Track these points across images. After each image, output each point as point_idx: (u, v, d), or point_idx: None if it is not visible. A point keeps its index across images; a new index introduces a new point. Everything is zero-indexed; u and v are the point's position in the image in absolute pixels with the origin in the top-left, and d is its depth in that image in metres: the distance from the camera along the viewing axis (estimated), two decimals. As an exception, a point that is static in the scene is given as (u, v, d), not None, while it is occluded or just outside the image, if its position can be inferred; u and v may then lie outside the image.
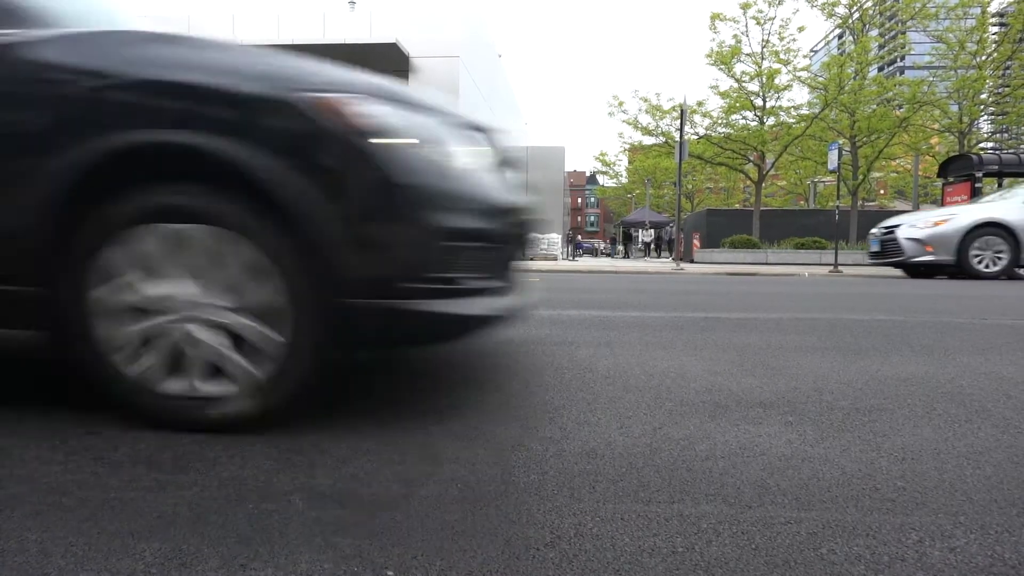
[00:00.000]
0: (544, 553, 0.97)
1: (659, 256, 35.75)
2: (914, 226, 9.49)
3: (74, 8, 1.86)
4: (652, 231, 36.70)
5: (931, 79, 26.12)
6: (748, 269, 11.96)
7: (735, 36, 25.99)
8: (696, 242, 25.96)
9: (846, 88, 24.18)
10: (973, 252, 8.91)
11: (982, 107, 27.22)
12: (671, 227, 34.22)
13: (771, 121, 26.76)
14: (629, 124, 28.27)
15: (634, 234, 38.90)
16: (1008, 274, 8.83)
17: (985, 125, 32.27)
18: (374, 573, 0.92)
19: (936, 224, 9.21)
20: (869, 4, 27.07)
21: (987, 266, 8.88)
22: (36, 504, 1.12)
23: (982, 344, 2.96)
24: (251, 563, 0.93)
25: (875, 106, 25.61)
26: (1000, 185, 16.39)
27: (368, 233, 1.46)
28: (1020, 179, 14.34)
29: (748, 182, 30.18)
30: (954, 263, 8.98)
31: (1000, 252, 8.86)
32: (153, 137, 1.44)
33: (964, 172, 15.06)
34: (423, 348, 2.47)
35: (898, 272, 10.93)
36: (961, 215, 9.21)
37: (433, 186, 1.52)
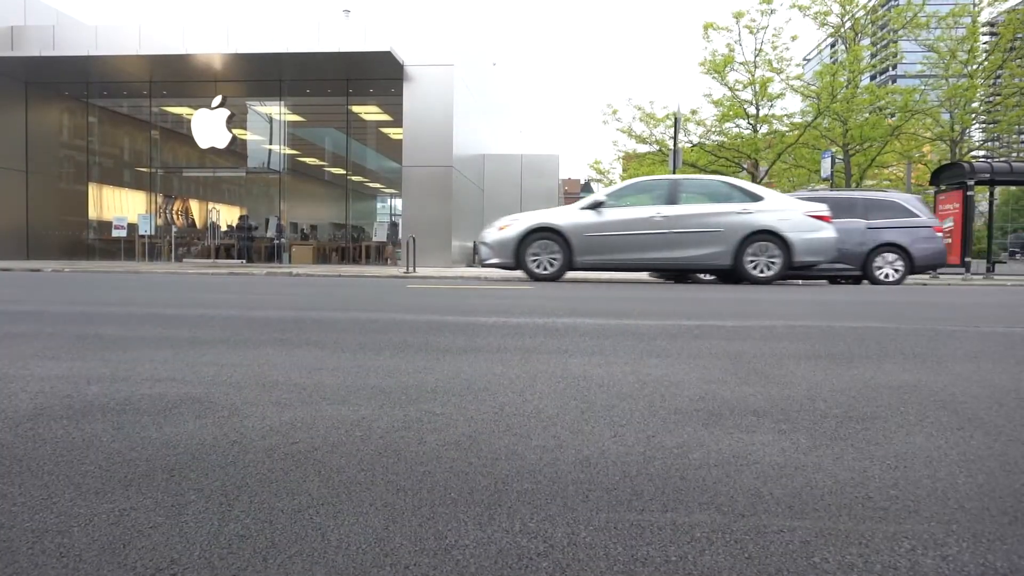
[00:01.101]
0: (537, 563, 0.97)
1: None
2: (489, 231, 10.05)
3: None
4: None
5: (923, 88, 26.33)
6: (742, 277, 12.01)
7: (728, 45, 26.12)
8: (691, 250, 25.94)
9: (839, 96, 24.34)
10: (530, 255, 9.50)
11: (973, 116, 27.44)
12: None
13: (764, 129, 26.91)
14: (623, 132, 28.43)
15: None
16: (559, 275, 9.47)
17: (977, 133, 32.52)
18: (366, 584, 0.91)
19: (501, 229, 9.77)
20: (861, 13, 27.31)
21: (543, 267, 9.50)
22: (26, 515, 1.11)
23: (974, 351, 2.98)
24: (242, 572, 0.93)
25: (867, 114, 25.80)
26: (993, 196, 16.51)
27: None
28: (1012, 187, 14.46)
29: (742, 190, 30.21)
30: (512, 265, 9.58)
31: (555, 255, 9.44)
32: None
33: (956, 180, 15.17)
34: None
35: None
36: (521, 221, 9.73)
37: None
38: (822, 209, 9.54)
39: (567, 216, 9.61)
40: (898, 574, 0.94)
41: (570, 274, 10.16)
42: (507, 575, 0.94)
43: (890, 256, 10.93)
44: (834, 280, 11.43)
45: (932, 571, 0.95)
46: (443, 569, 0.95)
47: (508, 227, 9.68)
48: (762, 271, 9.21)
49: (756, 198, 9.47)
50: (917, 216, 11.13)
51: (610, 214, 9.49)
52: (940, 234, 11.24)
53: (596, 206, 9.60)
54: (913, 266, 10.98)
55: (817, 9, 25.97)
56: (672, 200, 9.58)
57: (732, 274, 9.43)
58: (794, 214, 9.33)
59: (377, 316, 4.22)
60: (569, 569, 0.95)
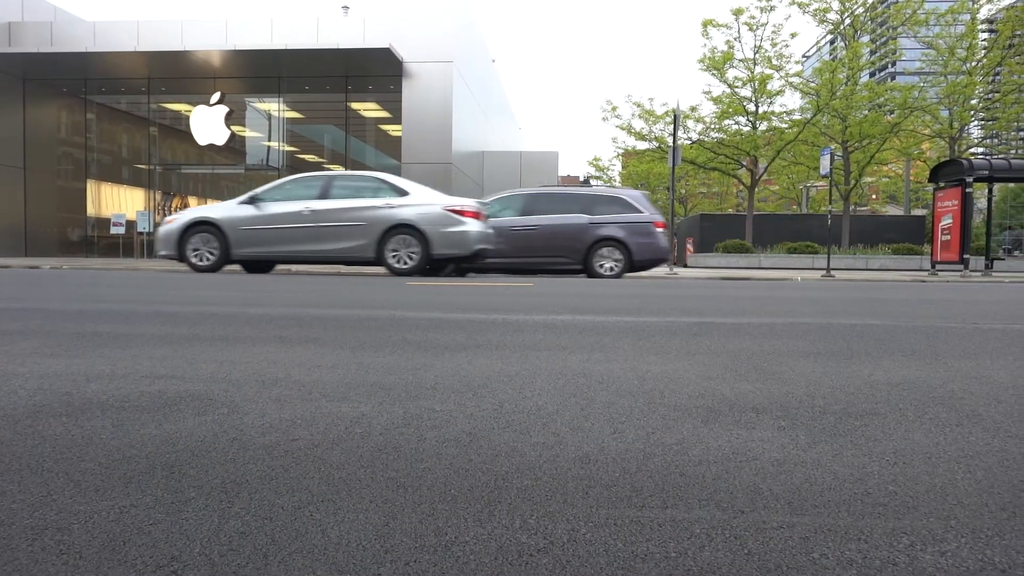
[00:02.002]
0: (537, 559, 0.97)
1: None
2: (162, 224, 10.49)
3: None
4: None
5: (922, 85, 26.33)
6: (741, 274, 12.01)
7: (728, 42, 26.13)
8: (689, 247, 26.03)
9: (838, 93, 24.34)
10: (191, 247, 9.89)
11: (972, 113, 27.45)
12: None
13: (764, 126, 26.92)
14: (623, 129, 28.44)
15: None
16: (218, 267, 9.91)
17: (975, 130, 32.51)
18: (367, 580, 0.91)
19: (168, 222, 10.20)
20: (860, 10, 27.29)
21: (202, 260, 9.87)
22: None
23: (973, 348, 2.98)
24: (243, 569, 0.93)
25: (867, 111, 25.80)
26: (991, 193, 16.48)
27: None
28: (1010, 184, 14.51)
29: (741, 187, 30.30)
30: (176, 257, 9.99)
31: (213, 247, 9.87)
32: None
33: (955, 177, 15.17)
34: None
35: (878, 277, 11.00)
36: (185, 214, 10.17)
37: None
38: (466, 205, 9.93)
39: (225, 210, 9.99)
40: (897, 570, 0.94)
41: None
42: (507, 571, 0.94)
43: (610, 250, 11.22)
44: (559, 272, 11.70)
45: (931, 566, 0.95)
46: (443, 565, 0.95)
47: (174, 220, 10.06)
48: (403, 263, 9.59)
49: (403, 193, 9.86)
50: (640, 212, 11.42)
51: (267, 208, 9.89)
52: (661, 230, 11.47)
53: (253, 200, 9.98)
54: (632, 261, 11.23)
55: (816, 6, 25.98)
56: (324, 195, 9.94)
57: (377, 265, 9.88)
58: (434, 209, 9.70)
59: (376, 313, 4.21)
60: (569, 565, 0.95)
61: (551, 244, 11.32)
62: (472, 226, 9.73)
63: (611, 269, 11.21)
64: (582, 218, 11.32)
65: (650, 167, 35.82)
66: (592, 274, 11.16)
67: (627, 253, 11.17)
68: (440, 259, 9.81)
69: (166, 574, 0.92)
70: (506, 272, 11.63)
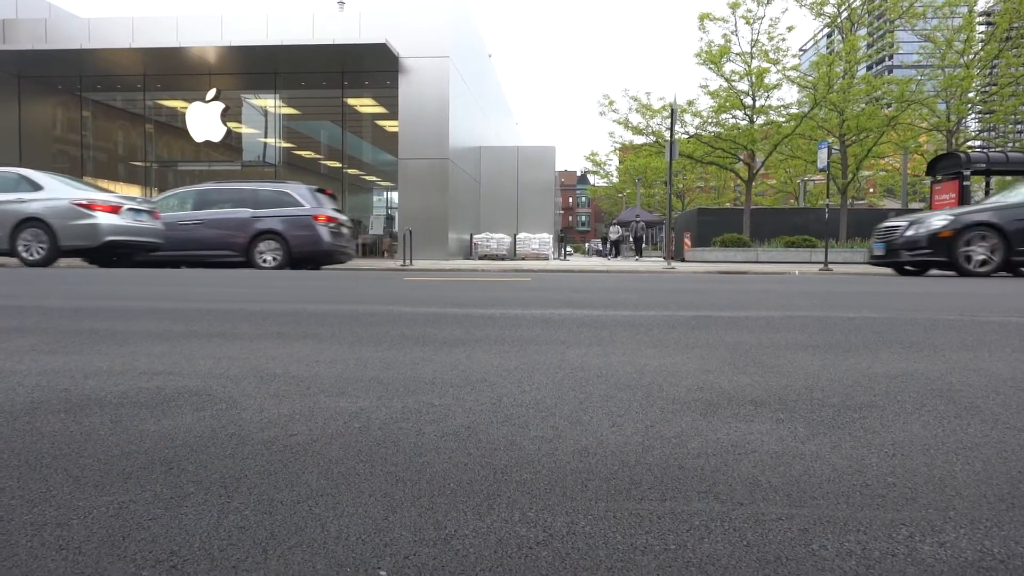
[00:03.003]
0: (537, 552, 0.97)
1: (637, 256, 32.31)
2: None
3: None
4: (619, 228, 34.66)
5: (919, 78, 26.32)
6: (739, 268, 12.03)
7: (724, 36, 26.10)
8: (687, 241, 26.04)
9: (835, 87, 24.33)
10: None
11: (969, 105, 27.45)
12: (639, 223, 32.91)
13: (761, 120, 26.90)
14: (619, 123, 28.41)
15: (607, 233, 36.14)
16: None
17: (973, 123, 32.55)
18: (367, 574, 0.91)
19: None
20: (857, 3, 27.26)
21: None
22: (25, 508, 1.10)
23: (971, 341, 2.99)
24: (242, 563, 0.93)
25: (864, 105, 25.79)
26: (989, 186, 16.52)
27: None
28: (1007, 177, 14.48)
29: (738, 181, 30.32)
30: None
31: None
32: None
33: (952, 170, 15.17)
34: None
35: (875, 270, 11.03)
36: None
37: None
38: (97, 199, 10.43)
39: None
40: (896, 561, 0.95)
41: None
42: (507, 564, 0.94)
43: (270, 244, 11.61)
44: (219, 265, 11.94)
45: (930, 557, 0.96)
46: (443, 559, 0.95)
47: None
48: (34, 255, 10.16)
49: (37, 188, 10.43)
50: (301, 205, 11.77)
51: None
52: (323, 223, 11.73)
53: None
54: (292, 254, 11.57)
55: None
56: None
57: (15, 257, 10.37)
58: (61, 203, 10.27)
59: (374, 309, 4.21)
60: (569, 558, 0.95)
61: (216, 238, 11.70)
62: (102, 219, 10.19)
63: (271, 261, 11.56)
64: (245, 212, 11.71)
65: (647, 161, 35.78)
66: (254, 266, 11.49)
67: (286, 246, 11.52)
68: (68, 251, 10.25)
69: (166, 569, 0.92)
70: (177, 265, 11.92)
